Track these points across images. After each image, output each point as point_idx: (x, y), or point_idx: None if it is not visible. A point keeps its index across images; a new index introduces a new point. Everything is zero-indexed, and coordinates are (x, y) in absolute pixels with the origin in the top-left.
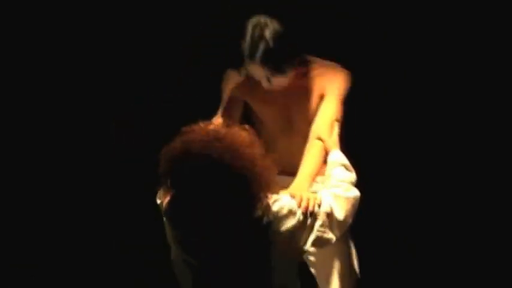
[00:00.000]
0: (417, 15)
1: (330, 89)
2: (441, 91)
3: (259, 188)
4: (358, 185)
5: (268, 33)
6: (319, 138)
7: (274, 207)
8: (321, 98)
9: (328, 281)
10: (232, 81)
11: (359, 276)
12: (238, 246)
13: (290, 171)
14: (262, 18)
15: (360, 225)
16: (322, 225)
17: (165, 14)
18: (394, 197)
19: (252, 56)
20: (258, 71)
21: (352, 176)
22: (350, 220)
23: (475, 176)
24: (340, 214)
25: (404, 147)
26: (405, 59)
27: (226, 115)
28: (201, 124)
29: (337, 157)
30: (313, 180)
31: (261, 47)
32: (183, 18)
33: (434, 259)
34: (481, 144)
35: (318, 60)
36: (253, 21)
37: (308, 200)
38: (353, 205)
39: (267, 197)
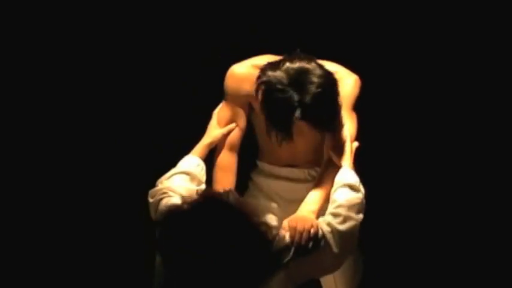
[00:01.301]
0: (419, 15)
1: (342, 99)
2: (441, 91)
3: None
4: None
5: (317, 79)
6: (331, 159)
7: (273, 247)
8: None
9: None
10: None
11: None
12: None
13: (291, 163)
14: (304, 63)
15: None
16: (318, 260)
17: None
18: (394, 197)
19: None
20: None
21: (357, 196)
22: (347, 252)
23: (475, 176)
24: (335, 248)
25: (404, 148)
26: (405, 59)
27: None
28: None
29: (343, 176)
30: (321, 207)
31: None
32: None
33: (435, 259)
34: (481, 145)
35: (327, 63)
36: (293, 67)
37: (302, 233)
38: (350, 236)
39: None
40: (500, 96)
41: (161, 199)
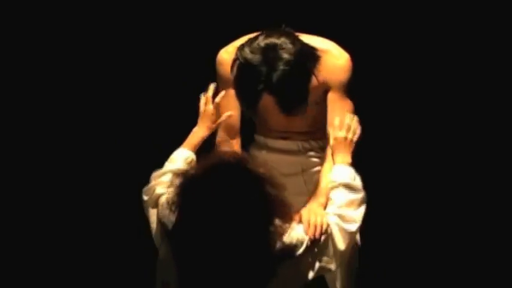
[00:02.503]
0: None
1: (334, 82)
2: (441, 89)
3: (275, 216)
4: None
5: (287, 56)
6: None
7: (286, 238)
8: (322, 85)
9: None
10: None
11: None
12: (240, 270)
13: (284, 136)
14: (275, 38)
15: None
16: (326, 255)
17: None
18: (394, 196)
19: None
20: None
21: (357, 197)
22: (349, 251)
23: (475, 176)
24: (341, 245)
25: (404, 148)
26: (404, 59)
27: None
28: (221, 151)
29: (339, 175)
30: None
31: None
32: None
33: (435, 259)
34: (481, 144)
35: (318, 40)
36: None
37: (316, 226)
38: (352, 237)
39: (281, 226)
40: (499, 96)
41: (160, 195)
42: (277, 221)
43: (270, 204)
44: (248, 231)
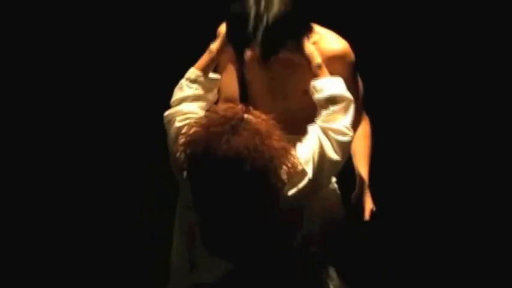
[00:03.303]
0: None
1: (338, 71)
2: (440, 89)
3: (277, 178)
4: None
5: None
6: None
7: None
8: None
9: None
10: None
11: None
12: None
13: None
14: None
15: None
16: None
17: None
18: (394, 197)
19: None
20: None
21: (341, 106)
22: (342, 163)
23: (474, 175)
24: (333, 156)
25: (403, 148)
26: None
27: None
28: (222, 108)
29: (337, 88)
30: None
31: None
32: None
33: (435, 259)
34: (481, 144)
35: (317, 28)
36: None
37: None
38: (346, 149)
39: (283, 182)
40: (498, 96)
41: (179, 129)
42: (281, 174)
43: (275, 158)
44: (255, 189)
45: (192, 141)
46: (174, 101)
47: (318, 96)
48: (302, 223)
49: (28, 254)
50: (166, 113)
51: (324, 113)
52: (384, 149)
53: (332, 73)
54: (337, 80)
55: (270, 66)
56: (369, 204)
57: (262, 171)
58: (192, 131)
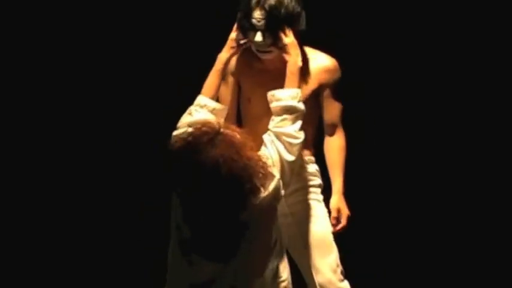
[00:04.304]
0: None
1: (329, 84)
2: (439, 89)
3: (252, 184)
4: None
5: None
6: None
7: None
8: (318, 88)
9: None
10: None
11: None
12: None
13: None
14: None
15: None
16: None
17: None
18: (393, 197)
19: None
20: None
21: (294, 115)
22: (297, 162)
23: (474, 177)
24: (289, 157)
25: (403, 149)
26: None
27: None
28: (201, 123)
29: (294, 100)
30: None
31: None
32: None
33: (433, 259)
34: (481, 146)
35: (307, 47)
36: None
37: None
38: (298, 150)
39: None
40: (498, 96)
41: None
42: (255, 180)
43: (249, 167)
44: (230, 195)
45: (176, 153)
46: (181, 124)
47: (275, 104)
48: (276, 221)
49: (28, 254)
50: (174, 133)
51: (276, 119)
52: (384, 149)
53: (322, 84)
54: (296, 91)
55: (268, 77)
56: (345, 211)
57: (238, 178)
58: (176, 144)
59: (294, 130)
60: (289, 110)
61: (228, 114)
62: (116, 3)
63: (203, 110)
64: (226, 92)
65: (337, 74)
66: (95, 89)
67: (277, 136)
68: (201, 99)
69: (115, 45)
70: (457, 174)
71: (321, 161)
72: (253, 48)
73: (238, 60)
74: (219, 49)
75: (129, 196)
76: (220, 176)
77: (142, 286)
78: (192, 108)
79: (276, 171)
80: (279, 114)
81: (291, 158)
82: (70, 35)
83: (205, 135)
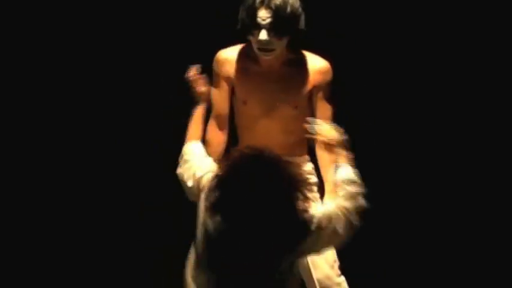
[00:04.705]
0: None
1: (322, 85)
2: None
3: (300, 193)
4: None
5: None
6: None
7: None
8: (312, 89)
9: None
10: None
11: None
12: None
13: None
14: None
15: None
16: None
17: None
18: (393, 197)
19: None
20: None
21: (358, 191)
22: (342, 240)
23: (474, 177)
24: (342, 230)
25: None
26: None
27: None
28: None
29: (344, 174)
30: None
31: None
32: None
33: (434, 259)
34: (480, 146)
35: (304, 51)
36: None
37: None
38: (352, 232)
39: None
40: (498, 96)
41: (201, 177)
42: (301, 197)
43: (295, 184)
44: (278, 213)
45: (223, 177)
46: (187, 177)
47: (338, 176)
48: None
49: (28, 254)
50: (178, 171)
51: (342, 192)
52: (384, 150)
53: (315, 85)
54: (349, 168)
55: (264, 79)
56: None
57: (286, 192)
58: (221, 169)
59: (360, 211)
60: (351, 182)
61: (221, 117)
62: (116, 3)
63: (198, 150)
64: (219, 95)
65: (330, 76)
66: (95, 89)
67: (341, 208)
68: (190, 143)
69: (115, 45)
70: (456, 174)
71: (312, 160)
72: (255, 48)
73: (232, 64)
74: (218, 49)
75: (129, 196)
76: (268, 192)
77: (142, 286)
78: (184, 149)
79: (316, 220)
80: (340, 186)
81: (341, 232)
82: (70, 35)
83: (249, 154)
